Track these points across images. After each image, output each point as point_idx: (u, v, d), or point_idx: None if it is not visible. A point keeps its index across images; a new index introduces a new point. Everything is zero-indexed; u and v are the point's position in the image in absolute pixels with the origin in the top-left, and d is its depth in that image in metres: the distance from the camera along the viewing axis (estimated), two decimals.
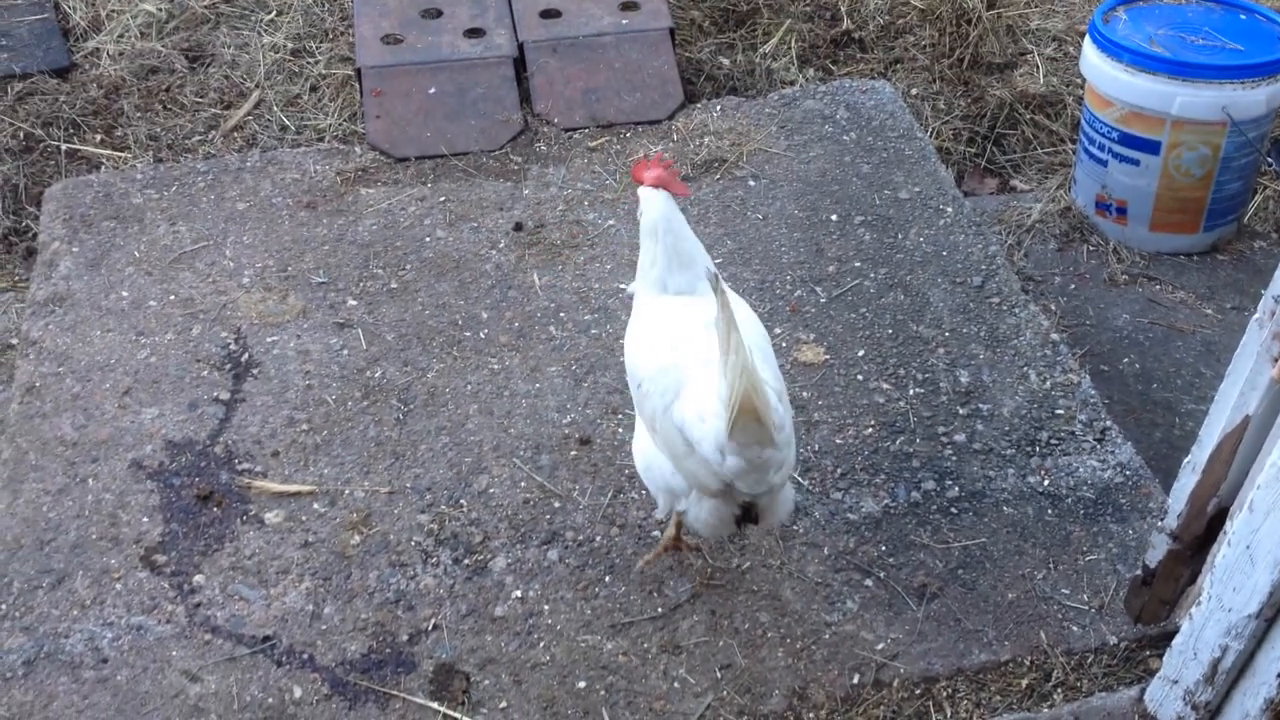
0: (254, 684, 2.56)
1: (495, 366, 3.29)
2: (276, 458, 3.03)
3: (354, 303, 3.48)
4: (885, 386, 3.20)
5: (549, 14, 4.55)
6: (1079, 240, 3.97)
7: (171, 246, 3.69)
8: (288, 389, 3.21)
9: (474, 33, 4.47)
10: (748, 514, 2.44)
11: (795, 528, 2.85)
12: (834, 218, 3.77)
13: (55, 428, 3.12)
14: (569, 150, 4.09)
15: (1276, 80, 3.66)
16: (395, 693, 2.54)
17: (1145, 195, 3.87)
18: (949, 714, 2.51)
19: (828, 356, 3.29)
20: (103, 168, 4.18)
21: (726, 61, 4.76)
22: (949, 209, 3.78)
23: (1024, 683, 2.55)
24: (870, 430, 3.09)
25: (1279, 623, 2.09)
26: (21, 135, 4.29)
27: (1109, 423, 3.08)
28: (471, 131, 4.14)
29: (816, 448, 3.04)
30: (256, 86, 4.55)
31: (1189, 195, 3.84)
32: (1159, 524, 2.46)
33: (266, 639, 2.64)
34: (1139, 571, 2.57)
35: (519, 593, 2.73)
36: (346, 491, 2.95)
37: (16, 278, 3.95)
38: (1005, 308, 3.42)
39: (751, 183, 3.92)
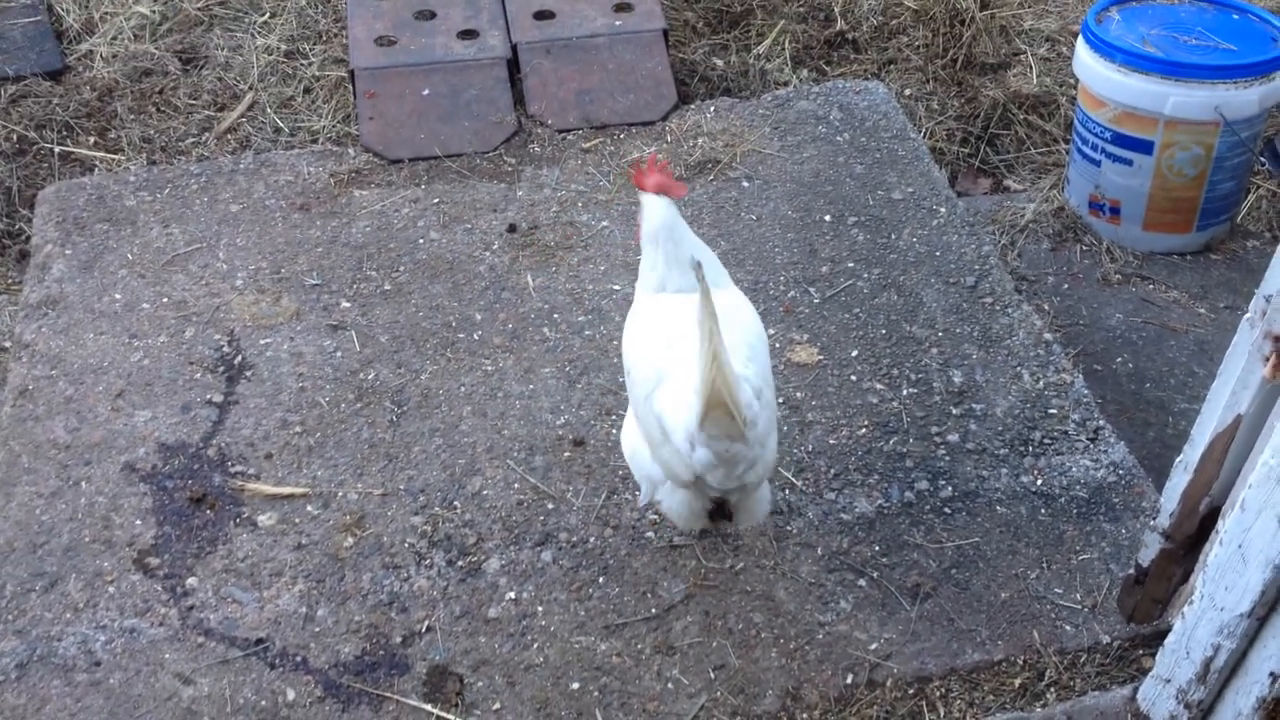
0: (247, 687, 2.55)
1: (489, 368, 3.29)
2: (270, 460, 3.03)
3: (347, 305, 3.48)
4: (879, 387, 3.20)
5: (542, 15, 4.56)
6: (1072, 240, 3.98)
7: (164, 249, 3.69)
8: (281, 391, 3.21)
9: (468, 34, 4.47)
10: (722, 510, 2.46)
11: (789, 528, 2.85)
12: (828, 218, 3.77)
13: (48, 430, 3.11)
14: (563, 151, 4.09)
15: (1269, 80, 3.67)
16: (389, 695, 2.54)
17: (1138, 195, 3.87)
18: (942, 714, 2.51)
19: (821, 357, 3.29)
20: (96, 170, 4.18)
21: (720, 62, 4.76)
22: (942, 209, 3.78)
23: (1017, 682, 2.56)
24: (864, 430, 3.09)
25: (1271, 621, 2.09)
26: (15, 138, 4.29)
27: (1102, 422, 3.08)
28: (465, 133, 4.14)
29: (810, 448, 3.04)
30: (250, 88, 4.55)
31: (1182, 195, 3.84)
32: (1151, 523, 2.46)
33: (259, 641, 2.64)
34: (1132, 570, 2.57)
35: (512, 594, 2.73)
36: (340, 494, 2.95)
37: (9, 281, 3.94)
38: (998, 308, 3.42)
39: (745, 184, 3.92)
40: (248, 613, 2.70)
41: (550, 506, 2.92)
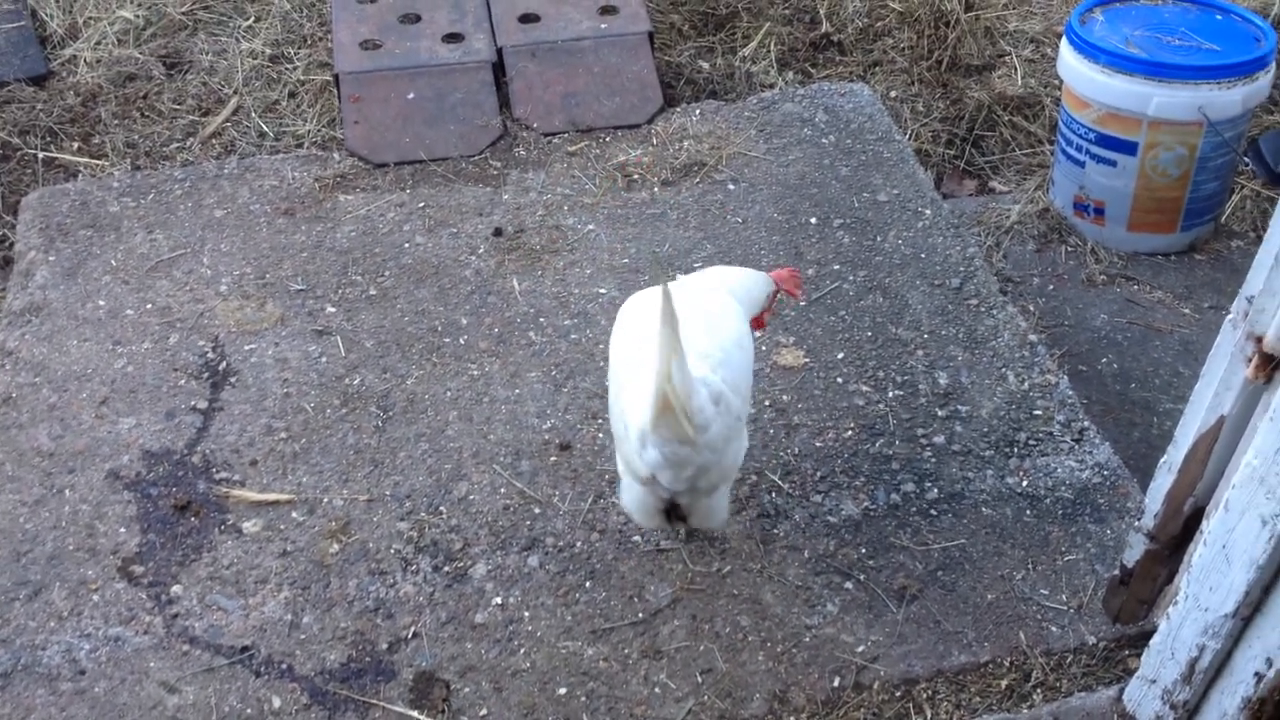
0: (232, 694, 2.54)
1: (475, 373, 3.28)
2: (254, 466, 3.02)
3: (332, 310, 3.47)
4: (865, 389, 3.20)
5: (528, 18, 4.55)
6: (1057, 241, 3.99)
7: (149, 255, 3.68)
8: (266, 397, 3.20)
9: (453, 38, 4.47)
10: (676, 511, 2.50)
11: (775, 531, 2.85)
12: (813, 220, 3.77)
13: (32, 438, 3.10)
14: (548, 155, 4.09)
15: (1252, 80, 3.68)
16: (375, 701, 2.53)
17: (1123, 196, 3.88)
18: (929, 716, 2.51)
19: (807, 360, 3.29)
20: (80, 176, 4.16)
21: (706, 65, 4.76)
22: (927, 211, 3.78)
23: (1003, 683, 2.56)
24: (850, 433, 3.09)
25: (1255, 622, 2.09)
26: None
27: (1087, 423, 3.09)
28: (450, 137, 4.14)
29: (796, 451, 3.04)
30: (235, 93, 4.54)
31: (1166, 195, 3.85)
32: (1136, 524, 2.47)
33: (245, 649, 2.63)
34: (1117, 571, 2.58)
35: (499, 599, 2.72)
36: (325, 500, 2.94)
37: None
38: (983, 309, 3.42)
39: (731, 186, 3.92)
40: (233, 620, 2.69)
41: (537, 511, 2.91)
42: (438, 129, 4.15)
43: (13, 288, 3.58)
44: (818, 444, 3.06)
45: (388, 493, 2.95)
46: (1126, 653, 2.60)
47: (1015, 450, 3.03)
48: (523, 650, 2.62)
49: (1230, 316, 2.12)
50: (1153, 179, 3.82)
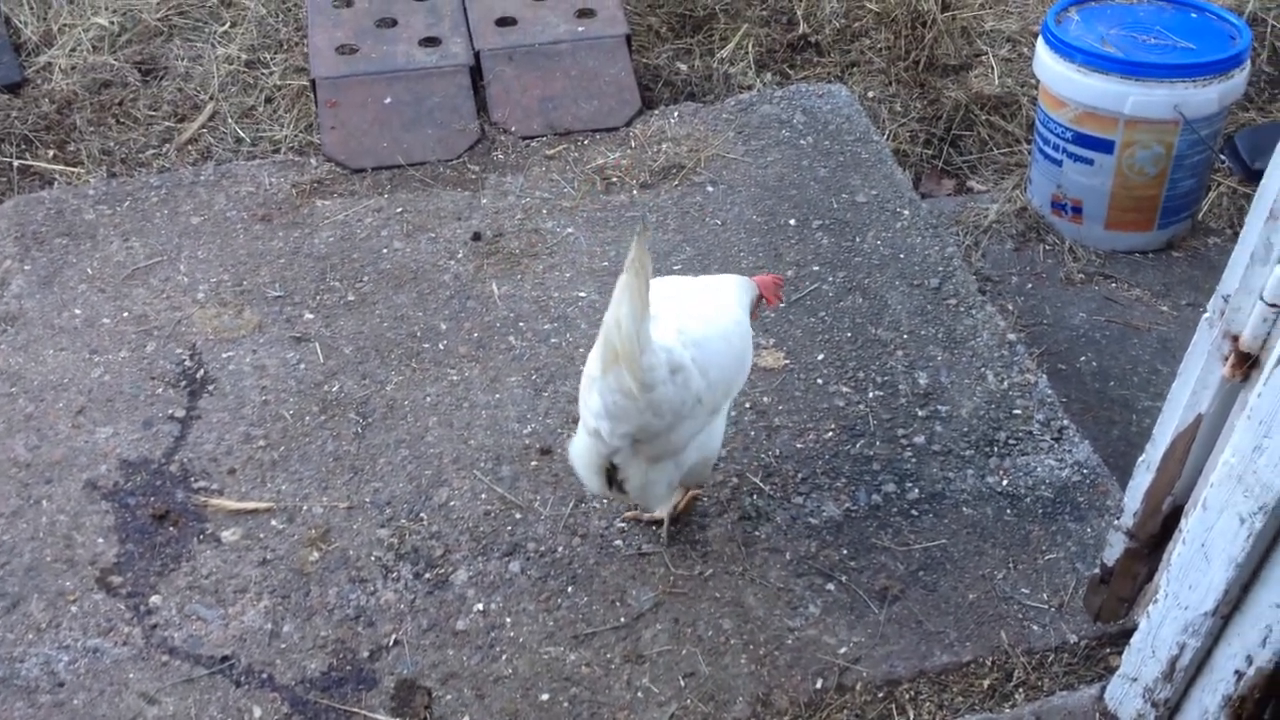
0: (212, 705, 2.53)
1: (454, 378, 3.27)
2: (233, 475, 3.00)
3: (311, 316, 3.46)
4: (845, 390, 3.20)
5: (505, 22, 4.55)
6: (1035, 240, 4.00)
7: (125, 263, 3.65)
8: (244, 405, 3.18)
9: (429, 41, 4.46)
10: (616, 475, 2.53)
11: (757, 533, 2.85)
12: (792, 222, 3.77)
13: (8, 449, 3.08)
14: (526, 159, 4.08)
15: (1228, 78, 3.69)
16: (356, 710, 2.52)
17: (1100, 194, 3.89)
18: (912, 716, 2.51)
19: (787, 361, 3.29)
20: (55, 184, 4.14)
21: (684, 67, 4.76)
22: (906, 211, 3.79)
23: (985, 683, 2.56)
24: (830, 434, 3.09)
25: (1235, 620, 2.10)
26: None
27: (1066, 421, 3.10)
28: (428, 141, 4.13)
29: (777, 452, 3.04)
30: (211, 99, 4.51)
31: (1143, 193, 3.87)
32: (1115, 522, 2.47)
33: (225, 659, 2.61)
34: (1097, 570, 2.58)
35: (481, 606, 2.72)
36: (305, 508, 2.92)
37: None
38: (962, 309, 3.43)
39: (710, 188, 3.92)
40: (212, 630, 2.67)
41: (518, 516, 2.91)
42: (415, 133, 4.14)
43: None
44: (798, 445, 3.06)
45: (368, 500, 2.94)
46: (1108, 651, 2.61)
47: (995, 449, 3.04)
48: (505, 656, 2.62)
49: (1207, 315, 2.12)
50: (1129, 177, 3.83)
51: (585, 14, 4.57)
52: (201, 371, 3.28)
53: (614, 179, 3.97)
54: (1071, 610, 2.68)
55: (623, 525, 2.87)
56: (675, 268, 3.55)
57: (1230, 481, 1.98)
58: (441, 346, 3.37)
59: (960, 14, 4.84)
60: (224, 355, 3.33)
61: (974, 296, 3.47)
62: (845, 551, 2.81)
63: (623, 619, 2.69)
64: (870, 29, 4.87)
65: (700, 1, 4.99)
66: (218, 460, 3.04)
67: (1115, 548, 2.49)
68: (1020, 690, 2.55)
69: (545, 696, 2.54)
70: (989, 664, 2.59)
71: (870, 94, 4.62)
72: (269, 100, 4.50)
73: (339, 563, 2.80)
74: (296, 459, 3.04)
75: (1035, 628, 2.65)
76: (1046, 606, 2.69)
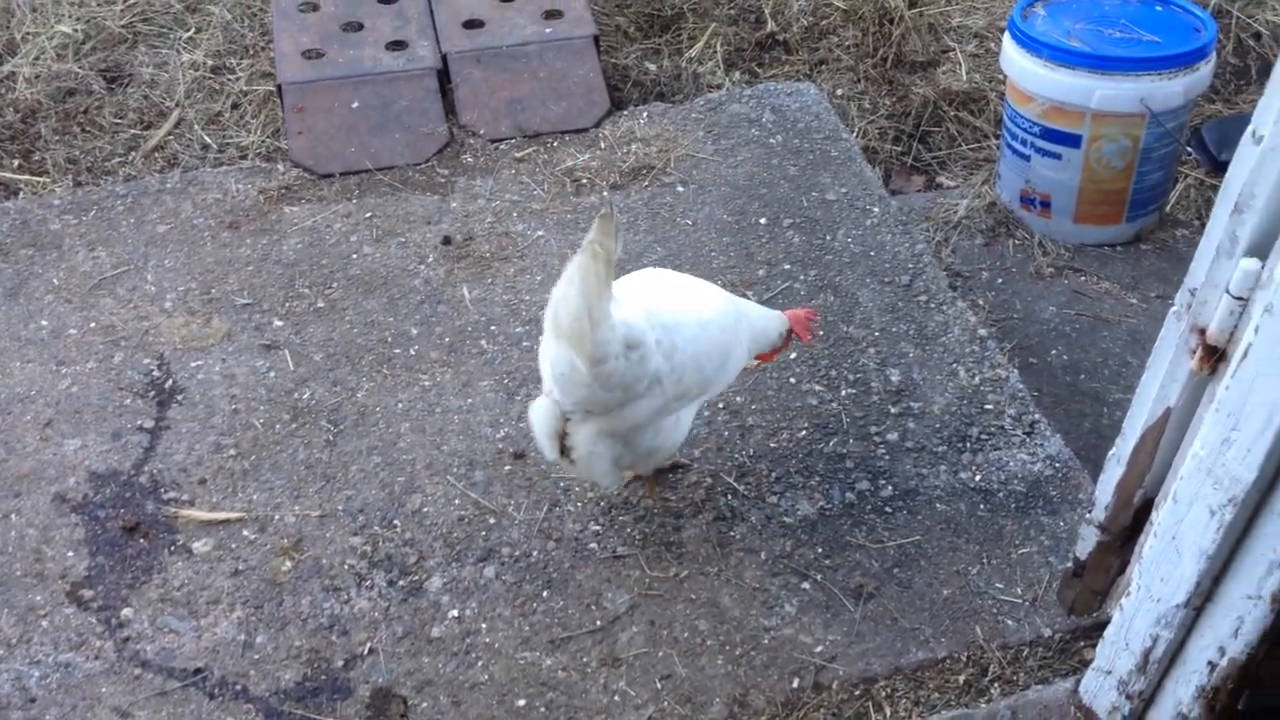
0: (186, 717, 2.51)
1: (426, 383, 3.26)
2: (204, 485, 2.98)
3: (280, 323, 3.44)
4: (817, 388, 3.20)
5: (472, 24, 4.53)
6: (1005, 235, 4.01)
7: (91, 273, 3.62)
8: (214, 414, 3.16)
9: (396, 45, 4.44)
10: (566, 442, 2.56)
11: (732, 533, 2.85)
12: (763, 221, 3.77)
13: None
14: (496, 161, 4.07)
15: (1193, 71, 3.71)
16: None
17: (1068, 188, 3.91)
18: (888, 714, 2.51)
19: (759, 361, 3.28)
20: (20, 194, 4.09)
21: (653, 67, 4.76)
22: (876, 209, 3.79)
23: (961, 679, 2.57)
24: (804, 433, 3.09)
25: (1207, 611, 2.11)
26: None
27: (1037, 416, 3.11)
28: (396, 145, 4.11)
29: (751, 452, 3.04)
30: (176, 105, 4.48)
31: (1111, 187, 3.88)
32: (1087, 516, 2.48)
33: (198, 671, 2.59)
34: (1070, 563, 2.59)
35: (455, 612, 2.70)
36: (276, 517, 2.90)
37: None
38: (933, 305, 3.44)
39: (680, 189, 3.92)
40: (185, 642, 2.65)
41: (492, 521, 2.89)
42: (383, 137, 4.12)
43: None
44: (772, 445, 3.06)
45: (340, 508, 2.92)
46: (1082, 644, 2.62)
47: (968, 445, 3.04)
48: (480, 663, 2.60)
49: (1174, 309, 2.13)
50: (1097, 171, 3.85)
51: (553, 15, 4.56)
52: (170, 381, 3.26)
53: (584, 180, 3.97)
54: (1045, 604, 2.68)
55: (597, 529, 2.87)
56: (645, 268, 3.54)
57: (1200, 474, 1.99)
58: (413, 352, 3.35)
59: (927, 10, 4.86)
60: (192, 364, 3.30)
61: (944, 293, 3.48)
62: (820, 550, 2.82)
63: (598, 622, 2.68)
64: (838, 26, 4.88)
65: (668, 1, 4.98)
66: (188, 471, 3.02)
67: (1087, 541, 2.49)
68: (995, 685, 2.56)
69: (522, 702, 2.53)
70: (964, 659, 2.60)
71: (839, 91, 4.63)
72: (235, 106, 4.47)
73: (312, 572, 2.78)
74: (268, 468, 3.02)
75: (1009, 622, 2.66)
76: (1020, 601, 2.70)
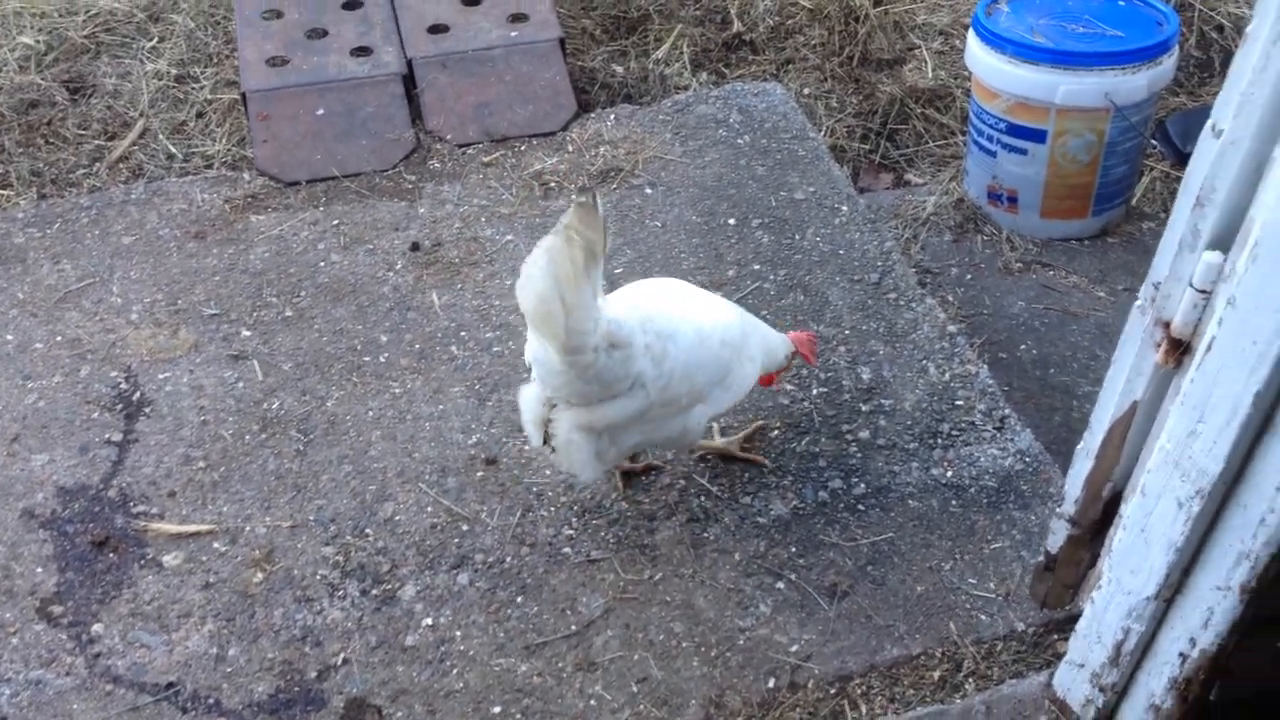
0: None
1: (397, 390, 3.24)
2: (173, 498, 2.96)
3: (248, 333, 3.41)
4: (789, 387, 3.21)
5: (437, 29, 4.51)
6: (973, 230, 4.02)
7: (56, 286, 3.59)
8: (182, 426, 3.13)
9: (361, 51, 4.41)
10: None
11: (706, 534, 2.85)
12: (732, 221, 3.78)
13: None
14: (463, 166, 4.05)
15: (1156, 64, 3.73)
16: None
17: (1034, 183, 3.93)
18: (864, 711, 2.52)
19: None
20: None
21: (620, 69, 4.75)
22: (844, 207, 3.80)
23: (936, 675, 2.57)
24: (776, 432, 3.09)
25: (1177, 603, 2.12)
26: None
27: (1007, 411, 3.12)
28: (363, 152, 4.09)
29: None
30: (141, 115, 4.45)
31: (1077, 181, 3.90)
32: (1058, 510, 2.48)
33: (170, 685, 2.57)
34: (1042, 557, 2.59)
35: (429, 620, 2.69)
36: (247, 528, 2.88)
37: None
38: (902, 303, 3.45)
39: (648, 190, 3.91)
40: (156, 657, 2.63)
41: (465, 528, 2.88)
42: (349, 144, 4.10)
43: None
44: (745, 445, 3.05)
45: (311, 518, 2.90)
46: (1055, 638, 2.62)
47: (939, 441, 3.05)
48: (455, 670, 2.59)
49: (1138, 303, 2.14)
50: (1063, 165, 3.87)
51: (518, 18, 4.55)
52: (138, 394, 3.23)
53: (552, 184, 3.96)
54: (1018, 598, 2.69)
55: (571, 533, 2.86)
56: (617, 271, 3.54)
57: (1167, 467, 2.00)
58: (382, 359, 3.33)
59: (892, 8, 4.87)
60: (160, 376, 3.28)
61: (914, 290, 3.49)
62: (794, 549, 2.82)
63: (573, 627, 2.67)
64: (804, 26, 4.88)
65: (634, 3, 4.98)
66: (157, 484, 3.00)
67: (1058, 535, 2.50)
68: (970, 680, 2.56)
69: (497, 709, 2.52)
70: (939, 655, 2.60)
71: (806, 91, 4.64)
72: (200, 115, 4.44)
73: (284, 583, 2.76)
74: (237, 479, 3.00)
75: (983, 617, 2.66)
76: (994, 596, 2.71)
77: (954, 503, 2.91)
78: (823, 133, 4.39)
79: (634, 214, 3.81)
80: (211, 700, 2.54)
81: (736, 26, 4.92)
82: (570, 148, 4.11)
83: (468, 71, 4.35)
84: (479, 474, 3.01)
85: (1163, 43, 3.74)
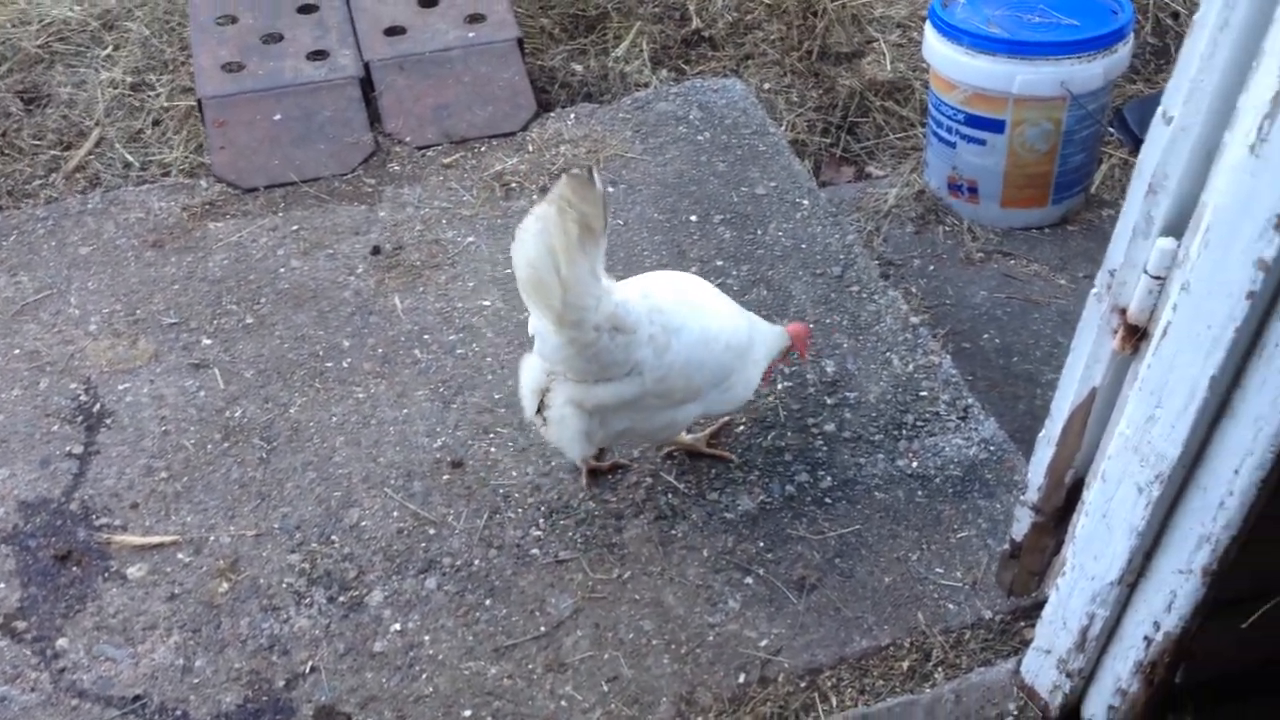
0: None
1: (360, 395, 3.22)
2: (136, 509, 2.93)
3: (208, 342, 3.39)
4: None
5: (394, 31, 4.49)
6: (934, 222, 4.04)
7: (13, 299, 3.55)
8: (144, 437, 3.11)
9: (317, 55, 4.39)
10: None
11: (673, 532, 2.85)
12: (694, 218, 3.78)
13: None
14: (423, 169, 4.04)
15: (1111, 53, 3.76)
16: None
17: (994, 173, 3.95)
18: (834, 703, 2.52)
19: None
20: None
21: (579, 68, 4.74)
22: (805, 201, 3.81)
23: (905, 665, 2.58)
24: (741, 428, 3.09)
25: (1140, 587, 2.13)
26: None
27: (971, 400, 3.13)
28: (321, 156, 4.06)
29: None
30: (96, 124, 4.40)
31: (1035, 170, 3.92)
32: (1022, 498, 2.50)
33: (137, 699, 2.55)
34: (1007, 545, 2.61)
35: (398, 625, 2.68)
36: (211, 538, 2.86)
37: None
38: (865, 295, 3.45)
39: (610, 189, 3.91)
40: (122, 670, 2.60)
41: (431, 532, 2.87)
42: (307, 149, 4.08)
43: None
44: (711, 441, 3.05)
45: (276, 525, 2.88)
46: (1022, 624, 2.64)
47: (904, 432, 3.06)
48: (425, 675, 2.58)
49: (1094, 290, 2.16)
50: (1021, 155, 3.89)
51: (475, 19, 4.53)
52: (98, 405, 3.20)
53: (513, 185, 3.95)
54: (985, 587, 2.71)
55: (539, 534, 2.85)
56: None
57: (1126, 452, 2.02)
58: (345, 364, 3.32)
59: (850, 2, 4.88)
60: (120, 387, 3.25)
61: (876, 282, 3.50)
62: (762, 544, 2.82)
63: (543, 628, 2.67)
64: (763, 21, 4.89)
65: (592, 1, 4.97)
66: (119, 495, 2.97)
67: (1023, 523, 2.51)
68: (939, 669, 2.57)
69: (468, 713, 2.51)
70: (908, 645, 2.61)
71: (766, 86, 4.64)
72: (157, 123, 4.40)
73: (250, 592, 2.74)
74: (201, 489, 2.98)
75: (951, 606, 2.68)
76: (961, 584, 2.72)
77: (920, 493, 2.92)
78: (783, 127, 4.39)
79: None
80: (179, 712, 2.52)
81: (695, 23, 4.91)
82: (531, 148, 4.10)
83: (426, 73, 4.33)
84: (445, 477, 3.00)
85: (1118, 31, 3.76)
